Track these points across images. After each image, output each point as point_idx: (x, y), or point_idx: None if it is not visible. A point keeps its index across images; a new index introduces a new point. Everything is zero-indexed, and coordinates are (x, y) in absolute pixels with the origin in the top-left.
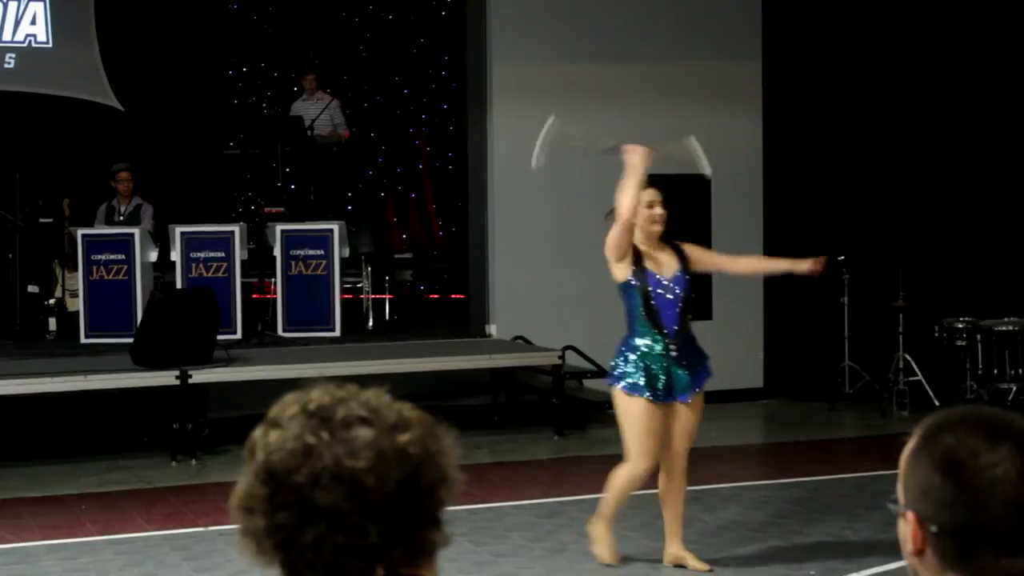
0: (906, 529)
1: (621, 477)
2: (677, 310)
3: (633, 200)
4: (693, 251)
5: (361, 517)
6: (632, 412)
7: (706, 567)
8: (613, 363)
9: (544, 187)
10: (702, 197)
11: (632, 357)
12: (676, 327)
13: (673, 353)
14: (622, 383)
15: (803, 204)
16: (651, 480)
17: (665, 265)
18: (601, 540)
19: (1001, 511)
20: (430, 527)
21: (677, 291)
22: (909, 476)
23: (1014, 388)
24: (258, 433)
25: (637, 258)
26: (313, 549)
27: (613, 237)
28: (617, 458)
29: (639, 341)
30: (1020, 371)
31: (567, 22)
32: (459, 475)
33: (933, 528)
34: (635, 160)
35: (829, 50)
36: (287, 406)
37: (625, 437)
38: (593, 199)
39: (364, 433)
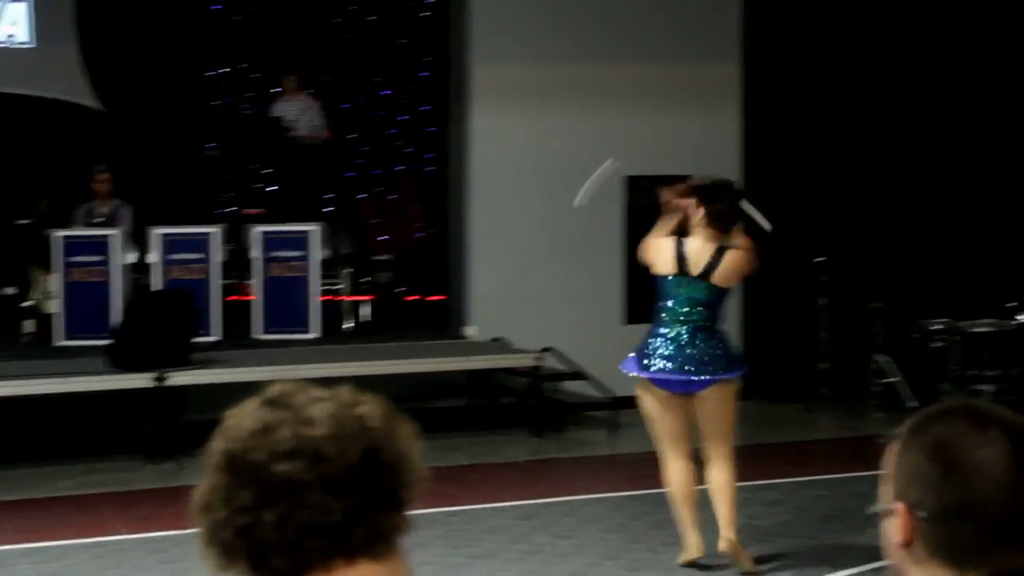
0: (893, 524)
1: (731, 481)
2: None
3: None
4: None
5: (322, 492)
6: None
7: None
8: (735, 354)
9: (523, 189)
10: None
11: None
12: None
13: None
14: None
15: (781, 205)
16: (630, 483)
17: None
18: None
19: (991, 490)
20: (392, 509)
21: None
22: (897, 469)
23: (991, 389)
24: (216, 435)
25: None
26: (275, 529)
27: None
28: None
29: None
30: (997, 372)
31: (548, 23)
32: (422, 462)
33: (923, 513)
34: None
35: (808, 52)
36: (244, 404)
37: (728, 435)
38: (571, 200)
39: (323, 406)
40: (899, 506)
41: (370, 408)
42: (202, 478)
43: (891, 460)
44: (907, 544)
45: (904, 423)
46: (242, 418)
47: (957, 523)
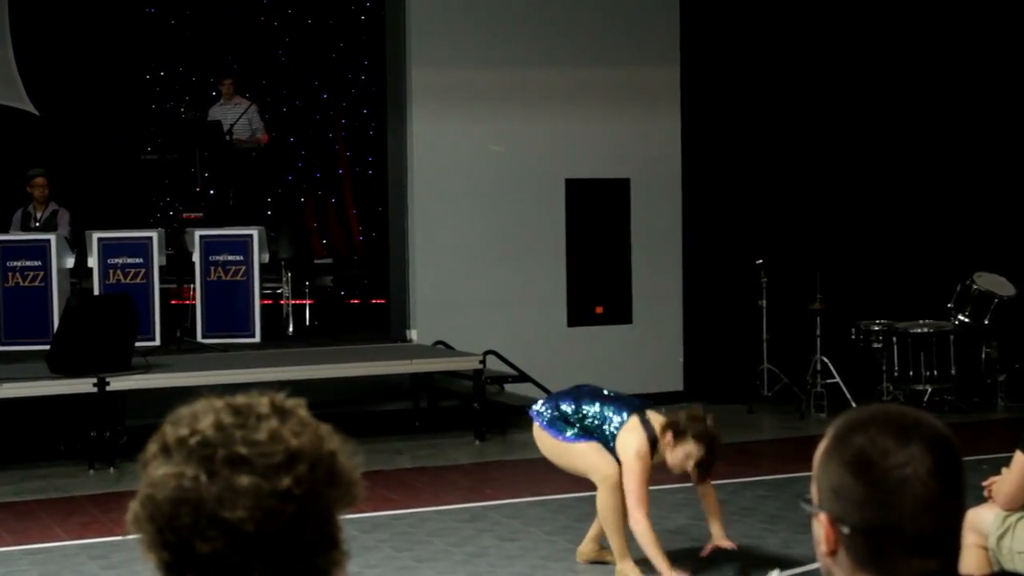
0: (819, 530)
1: (603, 502)
2: None
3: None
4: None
5: (243, 558)
6: (571, 449)
7: None
8: (559, 422)
9: (463, 192)
10: (622, 200)
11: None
12: None
13: None
14: (561, 438)
15: (721, 207)
16: (576, 484)
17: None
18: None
19: (912, 510)
20: (323, 552)
21: None
22: (821, 476)
23: (929, 389)
24: (150, 452)
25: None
26: None
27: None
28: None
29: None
30: (935, 373)
31: (487, 26)
32: (359, 486)
33: (845, 529)
34: None
35: (747, 54)
36: (179, 426)
37: (580, 466)
38: (512, 204)
39: (243, 480)
40: (823, 516)
41: (295, 475)
42: (137, 494)
43: (816, 464)
44: (832, 553)
45: (830, 424)
46: (169, 465)
47: (879, 539)
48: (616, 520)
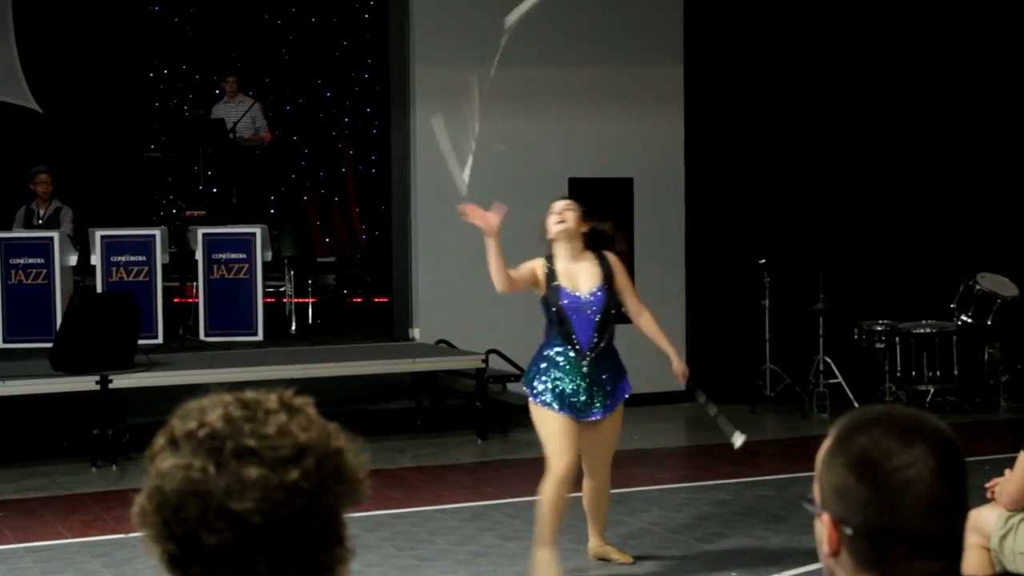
0: (822, 530)
1: (545, 493)
2: (594, 326)
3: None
4: (617, 271)
5: (249, 550)
6: (542, 418)
7: (628, 559)
8: (528, 373)
9: (467, 191)
10: (625, 199)
11: (543, 366)
12: (591, 342)
13: (585, 368)
14: (532, 396)
15: (724, 207)
16: (576, 484)
17: (582, 279)
18: (544, 567)
19: (915, 512)
20: (328, 548)
21: (594, 307)
22: (824, 477)
23: (932, 390)
24: (158, 444)
25: (551, 274)
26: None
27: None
28: (541, 461)
29: (551, 352)
30: (937, 373)
31: (490, 25)
32: (366, 483)
33: (848, 530)
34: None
35: (751, 54)
36: (187, 420)
37: (543, 440)
38: (516, 202)
39: (251, 472)
40: (826, 517)
41: (302, 469)
42: (143, 489)
43: (819, 464)
44: (835, 554)
45: (833, 424)
46: (177, 457)
47: (881, 540)
48: (550, 513)
